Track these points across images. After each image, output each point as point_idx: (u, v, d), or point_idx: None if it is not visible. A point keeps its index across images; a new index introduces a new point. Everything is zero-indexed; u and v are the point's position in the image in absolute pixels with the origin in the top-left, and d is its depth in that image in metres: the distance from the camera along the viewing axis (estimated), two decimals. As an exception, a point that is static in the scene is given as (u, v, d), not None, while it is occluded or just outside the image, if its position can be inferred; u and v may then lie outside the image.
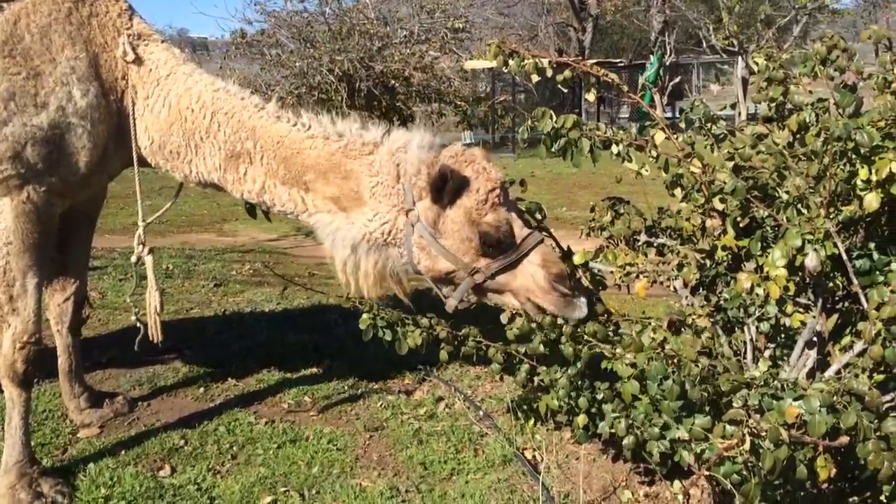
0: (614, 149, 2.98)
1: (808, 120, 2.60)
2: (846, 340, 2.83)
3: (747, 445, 1.83)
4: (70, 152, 2.88)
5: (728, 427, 1.91)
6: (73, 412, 3.67)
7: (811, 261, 2.45)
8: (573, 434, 2.81)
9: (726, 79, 31.40)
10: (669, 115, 22.72)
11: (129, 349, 4.59)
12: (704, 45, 26.00)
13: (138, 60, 2.99)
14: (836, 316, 2.87)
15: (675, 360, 2.15)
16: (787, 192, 2.73)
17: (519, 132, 3.24)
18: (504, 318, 2.80)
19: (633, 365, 2.47)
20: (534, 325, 2.70)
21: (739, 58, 24.68)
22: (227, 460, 3.38)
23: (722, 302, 3.04)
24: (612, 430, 2.48)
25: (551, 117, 3.04)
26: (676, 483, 3.25)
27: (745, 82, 24.90)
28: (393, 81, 17.90)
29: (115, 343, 4.73)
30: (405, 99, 18.38)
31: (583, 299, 2.92)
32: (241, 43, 17.31)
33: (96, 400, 3.73)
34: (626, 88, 3.46)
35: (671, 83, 22.10)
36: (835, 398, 2.04)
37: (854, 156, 2.43)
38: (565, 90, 3.47)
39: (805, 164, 2.61)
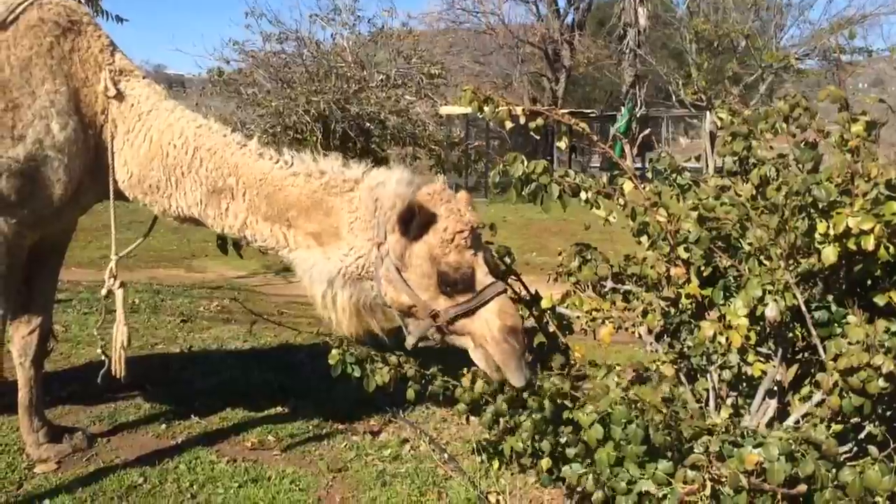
0: (583, 195, 3.05)
1: (769, 174, 2.68)
2: (806, 391, 2.89)
3: (708, 491, 1.85)
4: (44, 185, 2.88)
5: (689, 472, 1.94)
6: (30, 447, 3.60)
7: (771, 311, 2.51)
8: (538, 478, 2.82)
9: (695, 132, 32.11)
10: (639, 165, 23.13)
11: (91, 384, 4.54)
12: (674, 99, 26.60)
13: (119, 96, 3.02)
14: (796, 366, 2.93)
15: (639, 406, 2.18)
16: (749, 244, 2.81)
17: (490, 176, 3.29)
18: (465, 382, 2.82)
19: (597, 412, 2.50)
20: (494, 387, 2.72)
21: (707, 112, 25.26)
22: (187, 499, 3.32)
23: (686, 349, 3.10)
24: (578, 480, 2.48)
25: (522, 162, 3.12)
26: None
27: (712, 136, 25.46)
28: (368, 124, 18.05)
29: (77, 378, 4.66)
30: (380, 141, 18.51)
31: (526, 369, 2.88)
32: (218, 81, 17.39)
33: (55, 435, 3.66)
34: (595, 138, 3.56)
35: (641, 135, 22.53)
36: (793, 447, 2.08)
37: (813, 210, 2.51)
38: (537, 137, 3.53)
39: (766, 217, 2.69)
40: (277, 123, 16.44)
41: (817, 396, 2.80)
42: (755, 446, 2.10)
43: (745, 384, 3.06)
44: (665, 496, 1.99)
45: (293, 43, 18.39)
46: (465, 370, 2.92)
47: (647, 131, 22.42)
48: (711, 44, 25.69)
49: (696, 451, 2.20)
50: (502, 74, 28.22)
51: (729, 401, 3.04)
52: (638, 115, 21.75)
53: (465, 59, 26.56)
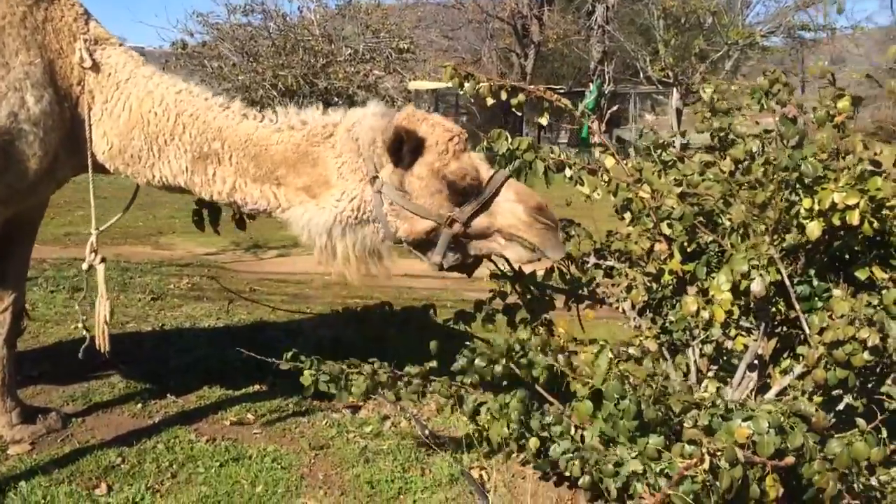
0: (567, 172, 3.04)
1: (754, 150, 2.69)
2: (786, 363, 2.93)
3: (706, 465, 1.87)
4: (19, 160, 2.79)
5: (687, 447, 1.95)
6: (3, 428, 3.52)
7: (757, 286, 2.53)
8: (529, 460, 2.82)
9: (661, 109, 32.29)
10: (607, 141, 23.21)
11: (62, 363, 4.49)
12: (641, 75, 26.70)
13: (96, 66, 2.93)
14: (775, 339, 2.97)
15: (630, 381, 2.19)
16: (731, 219, 2.82)
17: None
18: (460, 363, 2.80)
19: (589, 385, 2.51)
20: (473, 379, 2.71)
21: (674, 89, 25.42)
22: (167, 479, 3.28)
23: (668, 324, 3.12)
24: (566, 465, 2.48)
25: (507, 139, 3.10)
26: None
27: (679, 113, 25.66)
28: (336, 99, 17.86)
29: (48, 356, 4.58)
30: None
31: (561, 235, 2.99)
32: (181, 54, 17.06)
33: (28, 416, 3.59)
34: (577, 114, 3.54)
35: (609, 111, 22.61)
36: (782, 420, 2.11)
37: (798, 185, 2.53)
38: (519, 113, 3.51)
39: (747, 193, 2.70)
40: (244, 98, 16.12)
41: (798, 369, 2.84)
42: (744, 420, 2.13)
43: (724, 358, 3.10)
44: (659, 472, 2.00)
45: (259, 15, 18.07)
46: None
47: (615, 108, 22.52)
48: (679, 20, 25.78)
49: (685, 425, 2.22)
50: (471, 50, 28.05)
51: (710, 374, 3.07)
52: (606, 92, 21.80)
53: (434, 34, 26.31)
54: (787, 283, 2.59)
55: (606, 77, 24.69)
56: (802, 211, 2.49)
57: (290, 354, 2.97)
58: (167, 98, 2.97)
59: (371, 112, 2.87)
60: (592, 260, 3.32)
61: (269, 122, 2.96)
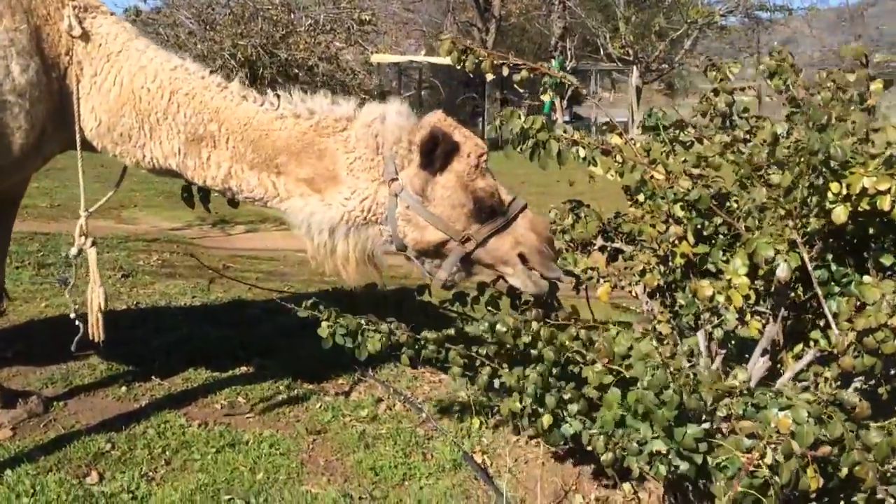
0: (581, 152, 2.97)
1: (779, 132, 2.64)
2: (798, 349, 2.93)
3: (769, 459, 1.83)
4: (3, 133, 2.60)
5: (746, 440, 1.91)
6: (-20, 413, 3.35)
7: (782, 271, 2.50)
8: (542, 436, 2.78)
9: (620, 87, 32.47)
10: (567, 119, 23.23)
11: (36, 343, 4.30)
12: (602, 52, 26.77)
13: (85, 35, 2.74)
14: (786, 324, 2.97)
15: (670, 370, 2.14)
16: (753, 201, 2.79)
17: (486, 132, 3.17)
18: (481, 327, 2.73)
19: (615, 371, 2.46)
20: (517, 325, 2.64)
21: (634, 67, 25.56)
22: (161, 466, 3.16)
23: (678, 308, 3.09)
24: (589, 441, 2.45)
25: (520, 117, 3.01)
26: (626, 485, 3.30)
27: (638, 91, 25.82)
28: (296, 70, 17.50)
29: (20, 336, 4.37)
30: (308, 89, 17.97)
31: (556, 270, 2.95)
32: (135, 21, 16.48)
33: (8, 399, 3.42)
34: (584, 91, 3.46)
35: (570, 88, 22.59)
36: (822, 409, 2.08)
37: (825, 169, 2.50)
38: (521, 90, 3.42)
39: (772, 175, 2.67)
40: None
41: (810, 354, 2.84)
42: (781, 409, 2.10)
43: (732, 342, 3.07)
44: (715, 465, 1.96)
45: (215, -19, 17.51)
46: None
47: (576, 84, 22.49)
48: (639, -2, 25.87)
49: (718, 413, 2.19)
50: (432, 23, 27.76)
51: (718, 359, 3.05)
52: (567, 68, 21.78)
53: (395, 6, 25.93)
54: (810, 267, 2.57)
55: (568, 53, 24.68)
56: (830, 195, 2.47)
57: (309, 303, 2.87)
58: (161, 74, 2.80)
59: (395, 110, 2.74)
60: (599, 242, 3.28)
61: (270, 107, 2.81)
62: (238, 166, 2.78)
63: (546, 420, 2.70)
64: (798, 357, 2.92)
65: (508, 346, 2.71)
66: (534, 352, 2.68)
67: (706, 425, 2.17)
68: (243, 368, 4.15)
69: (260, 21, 17.49)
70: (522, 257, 2.83)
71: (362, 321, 2.88)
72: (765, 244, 2.52)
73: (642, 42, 25.35)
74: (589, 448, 2.50)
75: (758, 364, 2.91)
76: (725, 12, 26.09)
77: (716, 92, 3.24)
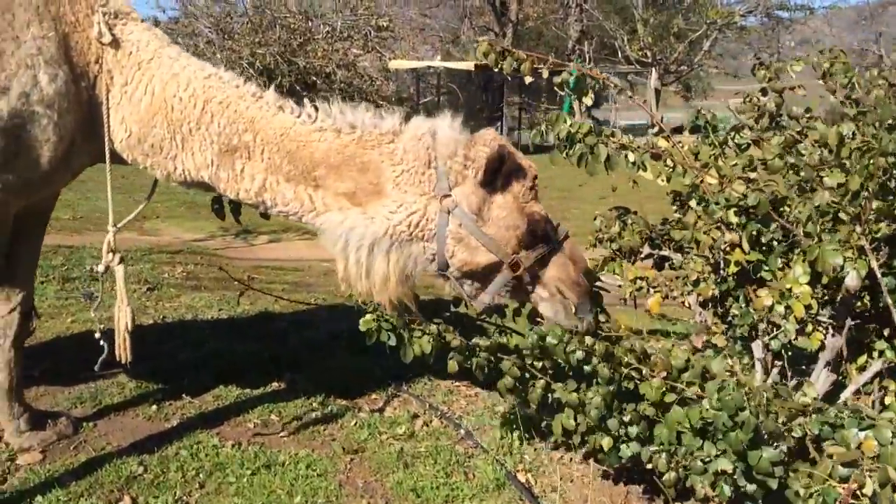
0: (630, 156, 2.85)
1: (844, 133, 2.50)
2: (862, 360, 2.78)
3: (870, 489, 1.69)
4: (31, 146, 2.51)
5: (842, 469, 1.77)
6: (10, 435, 3.25)
7: (852, 279, 2.36)
8: (601, 456, 2.65)
9: (637, 89, 32.22)
10: (590, 122, 23.04)
11: (63, 361, 4.22)
12: (619, 55, 26.58)
13: (115, 42, 2.65)
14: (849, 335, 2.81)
15: (745, 390, 2.00)
16: (815, 207, 2.64)
17: (531, 136, 3.05)
18: (530, 339, 2.61)
19: (675, 388, 2.33)
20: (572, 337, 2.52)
21: (653, 69, 25.35)
22: (195, 489, 3.05)
23: (732, 319, 2.95)
24: (650, 459, 2.32)
25: (565, 121, 2.89)
26: (675, 505, 3.15)
27: (657, 93, 25.60)
28: (314, 78, 17.49)
29: (48, 354, 4.29)
30: (327, 96, 17.94)
31: (588, 305, 2.84)
32: (153, 31, 16.46)
33: (37, 421, 3.32)
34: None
35: (591, 91, 22.41)
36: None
37: (895, 171, 2.36)
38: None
39: (838, 178, 2.52)
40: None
41: (876, 366, 2.69)
42: (862, 428, 1.96)
43: (788, 354, 2.92)
44: (807, 495, 1.81)
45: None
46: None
47: (595, 87, 22.29)
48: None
49: (793, 434, 2.05)
50: (448, 28, 27.69)
51: (775, 371, 2.91)
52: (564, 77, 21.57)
53: (412, 12, 25.89)
54: (878, 275, 2.43)
55: (586, 56, 24.51)
56: (903, 199, 2.33)
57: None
58: (194, 83, 2.70)
59: (447, 124, 2.65)
60: (646, 250, 3.14)
61: (308, 119, 2.71)
62: (273, 178, 2.67)
63: (606, 443, 2.56)
64: (862, 369, 2.78)
65: (560, 361, 2.59)
66: (587, 368, 2.56)
67: (781, 446, 2.03)
68: (274, 384, 4.03)
69: (278, 29, 17.51)
70: (559, 286, 2.74)
71: (408, 318, 2.78)
72: (832, 251, 2.38)
73: (661, 44, 25.17)
74: (649, 466, 2.37)
75: (821, 377, 2.76)
76: (745, 12, 25.84)
77: (764, 92, 3.11)
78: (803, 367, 3.03)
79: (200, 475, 3.13)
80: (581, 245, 3.02)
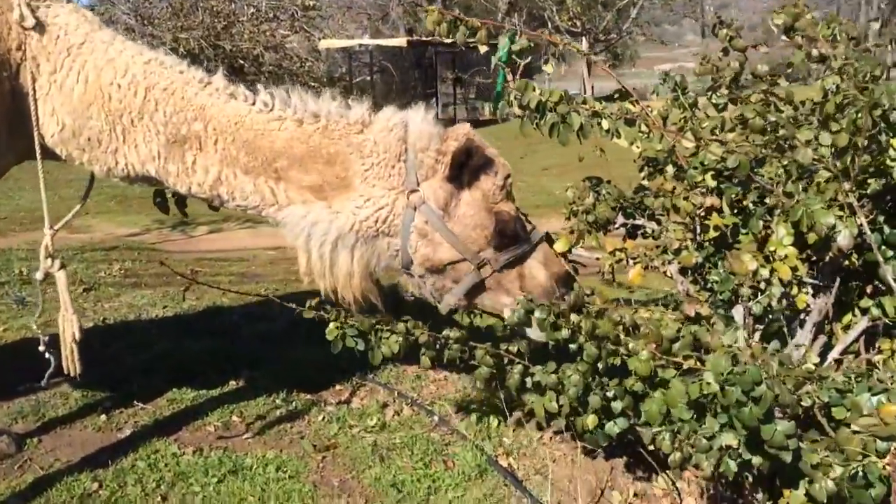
0: (605, 124, 2.71)
1: (827, 88, 2.40)
2: (847, 319, 2.72)
3: None
4: None
5: (881, 442, 1.66)
6: (-55, 460, 2.97)
7: (844, 239, 2.28)
8: (584, 435, 2.53)
9: (569, 61, 32.35)
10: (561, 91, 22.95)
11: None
12: (549, 26, 26.54)
13: (40, 26, 2.38)
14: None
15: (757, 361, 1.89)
16: (799, 165, 2.56)
17: (499, 108, 2.88)
18: (515, 316, 2.46)
19: (670, 363, 2.22)
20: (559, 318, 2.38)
21: (583, 39, 25.44)
22: (157, 503, 2.83)
23: (712, 285, 2.87)
24: (652, 440, 2.21)
25: (534, 89, 2.73)
26: (661, 478, 3.08)
27: (588, 64, 25.71)
28: (242, 62, 16.96)
29: (-20, 367, 3.97)
30: (255, 80, 17.52)
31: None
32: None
33: (-25, 441, 3.04)
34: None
35: (523, 63, 22.33)
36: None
37: (884, 124, 2.28)
38: (518, 60, 3.16)
39: (823, 135, 2.44)
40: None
41: (862, 324, 2.64)
42: (875, 393, 1.88)
43: (769, 317, 2.85)
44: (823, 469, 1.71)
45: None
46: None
47: (527, 58, 22.22)
48: (584, -32, 25.76)
49: (803, 402, 1.95)
50: (376, 5, 27.21)
51: (756, 335, 2.83)
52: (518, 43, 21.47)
53: (338, -10, 25.34)
54: (867, 232, 2.35)
55: (517, 28, 24.39)
56: (892, 152, 2.25)
57: (314, 302, 2.55)
58: (133, 68, 2.46)
59: (420, 116, 2.48)
60: (620, 220, 3.03)
61: (264, 107, 2.50)
62: (229, 171, 2.47)
63: (591, 421, 2.45)
64: (847, 328, 2.72)
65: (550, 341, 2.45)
66: (572, 346, 2.43)
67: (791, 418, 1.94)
68: (232, 383, 3.82)
69: (200, 13, 16.89)
70: (532, 290, 2.60)
71: (374, 321, 2.60)
72: (823, 211, 2.29)
73: (589, 13, 25.25)
74: (651, 447, 2.27)
75: (807, 339, 2.70)
76: (670, -21, 26.13)
77: (725, 51, 3.01)
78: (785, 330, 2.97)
79: (161, 487, 2.92)
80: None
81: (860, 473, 1.61)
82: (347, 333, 2.60)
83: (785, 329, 2.66)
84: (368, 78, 20.41)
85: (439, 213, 2.46)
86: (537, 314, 2.39)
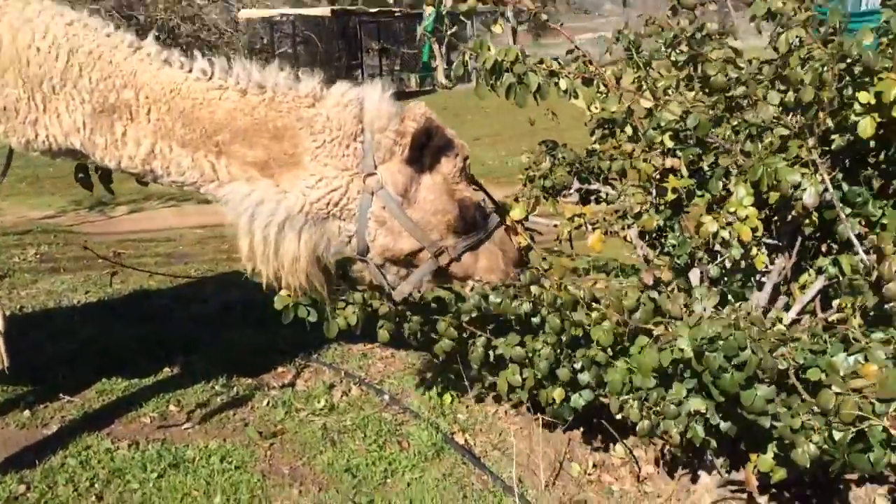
0: (562, 84, 2.59)
1: (791, 41, 2.33)
2: (804, 278, 2.69)
3: None
4: None
5: (878, 404, 1.60)
6: None
7: (809, 197, 2.23)
8: (548, 407, 2.44)
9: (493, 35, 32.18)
10: (445, 65, 22.75)
11: None
12: (474, -5, 26.29)
13: None
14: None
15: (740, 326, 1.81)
16: (752, 124, 2.50)
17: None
18: (471, 301, 2.35)
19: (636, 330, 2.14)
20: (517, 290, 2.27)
21: (508, 7, 25.30)
22: (92, 503, 2.62)
23: (670, 249, 2.81)
24: (620, 408, 2.13)
25: (489, 48, 2.59)
26: (619, 447, 3.02)
27: (514, 32, 25.68)
28: (157, 33, 16.28)
29: None
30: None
31: None
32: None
33: None
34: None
35: (449, 32, 22.10)
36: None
37: (848, 77, 2.22)
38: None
39: (783, 91, 2.38)
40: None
41: (818, 283, 2.61)
42: (851, 353, 1.83)
43: (725, 280, 2.80)
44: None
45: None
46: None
47: (454, 28, 22.01)
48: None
49: (780, 365, 1.89)
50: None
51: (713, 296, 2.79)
52: (444, 12, 21.21)
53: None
54: (831, 190, 2.31)
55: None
56: (857, 107, 2.19)
57: None
58: (54, 29, 2.22)
59: (379, 93, 2.30)
60: (576, 185, 2.93)
61: (202, 75, 2.28)
62: (164, 144, 2.26)
63: (558, 394, 2.36)
64: (803, 287, 2.70)
65: (507, 315, 2.33)
66: (535, 320, 2.32)
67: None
68: (167, 370, 3.59)
69: (111, -18, 16.12)
70: (488, 276, 2.50)
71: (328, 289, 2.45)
72: (787, 168, 2.23)
73: (512, -18, 25.08)
74: (618, 416, 2.19)
75: (764, 301, 2.66)
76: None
77: (674, 10, 2.93)
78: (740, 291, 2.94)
79: (96, 485, 2.71)
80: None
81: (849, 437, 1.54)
82: (300, 302, 2.44)
83: (745, 292, 2.63)
84: (291, 49, 19.82)
85: (398, 200, 2.31)
86: (492, 298, 2.28)
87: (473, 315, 2.46)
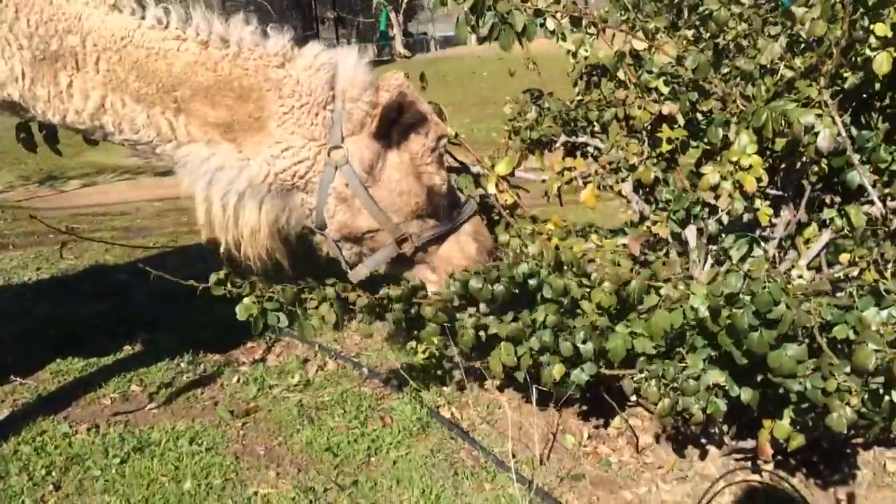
0: (549, 24, 2.39)
1: (799, -27, 2.16)
2: (809, 232, 2.55)
3: None
4: None
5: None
6: None
7: (824, 140, 2.06)
8: (548, 386, 2.26)
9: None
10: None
11: None
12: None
13: None
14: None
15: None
16: (749, 69, 2.33)
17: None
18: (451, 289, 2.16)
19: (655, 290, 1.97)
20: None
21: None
22: (49, 493, 2.40)
23: (665, 204, 2.64)
24: (630, 387, 1.96)
25: (470, -14, 2.37)
26: (617, 418, 2.87)
27: None
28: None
29: None
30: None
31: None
32: None
33: None
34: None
35: (406, 2, 21.69)
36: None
37: (862, 9, 2.06)
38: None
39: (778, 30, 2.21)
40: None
41: (825, 236, 2.47)
42: (884, 307, 1.68)
43: (722, 235, 2.64)
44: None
45: None
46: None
47: (411, -2, 21.63)
48: None
49: (807, 323, 1.74)
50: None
51: (710, 257, 2.64)
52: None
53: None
54: (843, 133, 2.15)
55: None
56: (872, 40, 2.03)
57: (221, 274, 2.19)
58: None
59: (354, 61, 2.10)
60: (563, 138, 2.74)
61: (157, 23, 2.05)
62: (115, 97, 2.04)
63: (559, 371, 2.17)
64: (808, 241, 2.56)
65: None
66: (532, 282, 2.14)
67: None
68: (127, 348, 3.35)
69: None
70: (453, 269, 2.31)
71: (296, 288, 2.24)
72: (799, 109, 2.07)
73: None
74: (633, 398, 2.03)
75: (769, 256, 2.51)
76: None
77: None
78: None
79: (53, 473, 2.48)
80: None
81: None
82: (267, 308, 2.23)
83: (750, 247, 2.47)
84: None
85: (363, 177, 2.13)
86: (473, 283, 2.09)
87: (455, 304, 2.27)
